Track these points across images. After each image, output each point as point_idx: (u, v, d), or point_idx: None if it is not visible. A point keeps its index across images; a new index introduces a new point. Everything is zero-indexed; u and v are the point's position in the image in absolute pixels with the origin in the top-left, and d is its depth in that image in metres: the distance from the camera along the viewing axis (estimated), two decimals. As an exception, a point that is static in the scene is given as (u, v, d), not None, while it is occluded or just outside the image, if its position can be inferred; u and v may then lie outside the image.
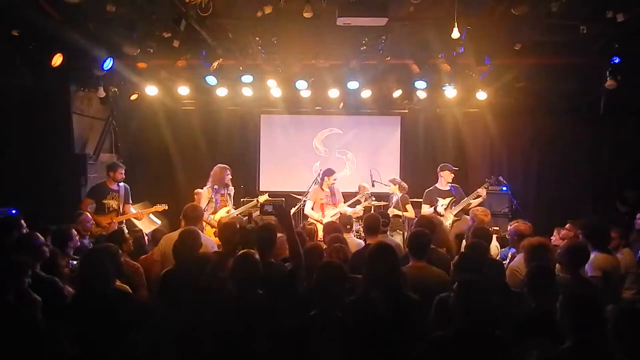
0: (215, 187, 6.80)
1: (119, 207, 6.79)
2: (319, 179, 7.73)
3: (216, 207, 6.77)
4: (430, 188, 7.45)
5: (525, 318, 3.34)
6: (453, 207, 7.19)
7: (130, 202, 7.02)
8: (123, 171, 6.88)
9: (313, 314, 3.09)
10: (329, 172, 7.60)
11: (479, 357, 2.85)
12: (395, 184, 7.69)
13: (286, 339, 3.05)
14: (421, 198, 7.58)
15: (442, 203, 7.23)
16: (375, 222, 5.13)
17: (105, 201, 6.72)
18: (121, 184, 6.89)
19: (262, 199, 7.33)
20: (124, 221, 6.81)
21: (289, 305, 3.34)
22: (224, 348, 3.06)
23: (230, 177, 6.92)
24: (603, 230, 4.68)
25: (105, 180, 6.89)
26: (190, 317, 3.18)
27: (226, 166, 6.96)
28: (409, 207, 7.68)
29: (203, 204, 6.61)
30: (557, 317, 2.82)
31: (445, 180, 7.35)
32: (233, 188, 7.09)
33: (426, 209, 7.31)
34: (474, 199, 7.14)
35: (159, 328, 3.33)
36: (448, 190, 7.31)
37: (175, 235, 4.88)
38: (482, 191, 7.18)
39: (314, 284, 3.26)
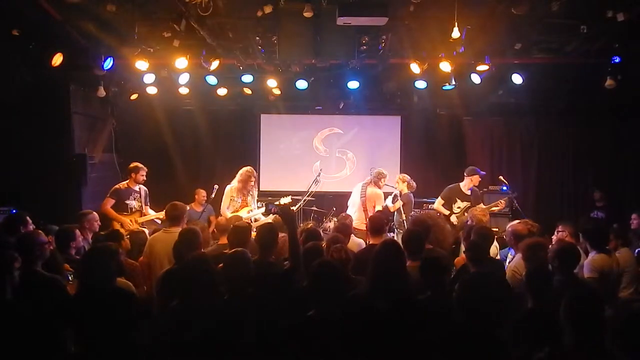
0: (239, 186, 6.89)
1: (141, 208, 6.93)
2: (319, 179, 7.71)
3: (237, 207, 6.87)
4: (453, 186, 7.36)
5: (523, 318, 3.34)
6: (466, 214, 7.07)
7: (149, 203, 7.09)
8: (145, 173, 7.00)
9: (311, 313, 3.09)
10: (384, 174, 7.57)
11: (477, 357, 2.85)
12: (404, 181, 7.62)
13: (283, 338, 3.05)
14: (421, 198, 7.53)
15: (459, 205, 7.20)
16: (381, 222, 5.20)
17: (127, 202, 6.84)
18: (141, 186, 7.01)
19: (285, 200, 7.27)
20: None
21: (286, 304, 3.34)
22: (220, 347, 3.06)
23: (252, 182, 6.95)
24: (601, 231, 4.69)
25: (127, 182, 6.98)
26: (189, 316, 3.17)
27: (252, 172, 6.97)
28: (397, 204, 7.51)
29: (225, 202, 6.82)
30: (561, 318, 2.82)
31: (472, 183, 7.23)
32: (257, 189, 7.19)
33: (439, 204, 7.32)
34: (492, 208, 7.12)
35: (158, 326, 3.34)
36: (469, 195, 7.22)
37: (159, 235, 4.91)
38: (502, 202, 7.22)
39: (309, 283, 3.26)
